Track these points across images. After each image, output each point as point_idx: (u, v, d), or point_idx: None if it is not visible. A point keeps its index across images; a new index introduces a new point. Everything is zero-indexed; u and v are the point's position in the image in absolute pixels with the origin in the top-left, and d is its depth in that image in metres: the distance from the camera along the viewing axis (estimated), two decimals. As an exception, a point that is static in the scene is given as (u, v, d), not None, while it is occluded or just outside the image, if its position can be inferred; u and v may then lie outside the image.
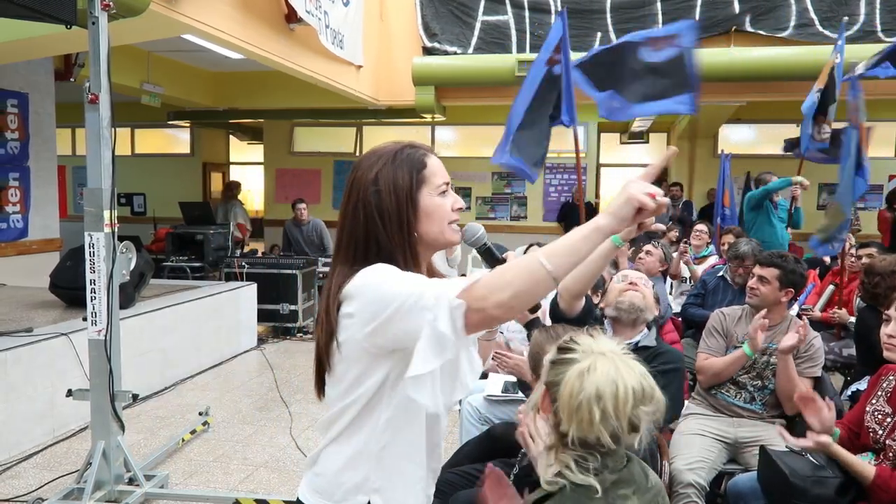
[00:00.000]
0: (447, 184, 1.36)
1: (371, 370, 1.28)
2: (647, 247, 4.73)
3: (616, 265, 3.91)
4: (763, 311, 2.80)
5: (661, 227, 1.91)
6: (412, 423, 1.32)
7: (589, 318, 2.33)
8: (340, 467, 1.33)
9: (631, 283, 2.53)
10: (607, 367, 1.28)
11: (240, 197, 11.06)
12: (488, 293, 1.14)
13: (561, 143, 11.10)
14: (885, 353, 2.41)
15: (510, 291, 1.14)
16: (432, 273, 1.42)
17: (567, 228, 6.77)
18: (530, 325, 2.39)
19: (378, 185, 1.30)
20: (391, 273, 1.24)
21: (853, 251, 4.81)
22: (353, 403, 1.31)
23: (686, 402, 3.03)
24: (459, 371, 1.27)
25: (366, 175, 1.32)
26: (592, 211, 10.49)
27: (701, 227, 5.97)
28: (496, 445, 2.68)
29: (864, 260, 4.43)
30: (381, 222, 1.30)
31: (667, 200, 1.21)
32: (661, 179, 8.21)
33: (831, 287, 4.66)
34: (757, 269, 2.99)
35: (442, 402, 1.28)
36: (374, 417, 1.31)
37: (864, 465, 2.18)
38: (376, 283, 1.23)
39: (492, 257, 1.44)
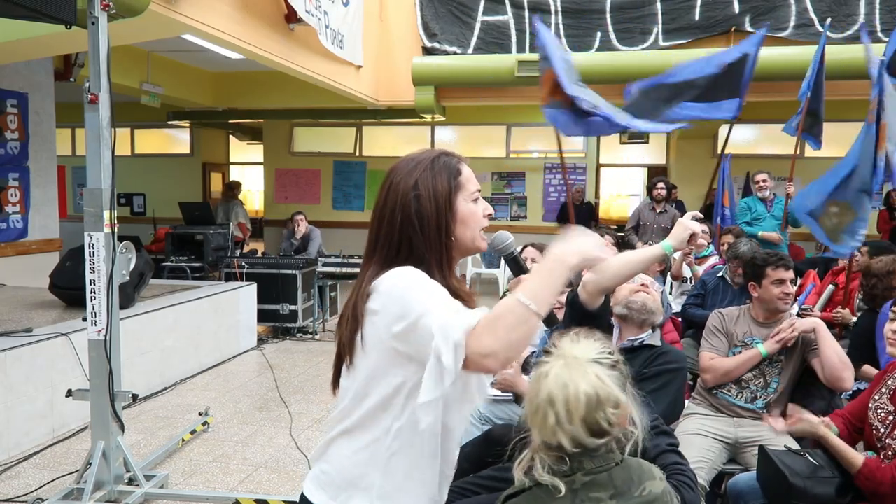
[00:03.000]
0: (479, 191, 1.42)
1: (390, 371, 1.29)
2: (643, 247, 4.74)
3: None
4: (792, 333, 2.81)
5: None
6: (423, 435, 1.31)
7: (608, 312, 2.32)
8: (347, 466, 1.34)
9: (642, 285, 2.53)
10: (561, 371, 1.27)
11: (240, 197, 11.07)
12: (488, 349, 1.14)
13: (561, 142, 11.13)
14: (889, 349, 2.42)
15: (505, 346, 1.15)
16: (465, 295, 1.46)
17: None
18: (596, 319, 2.32)
19: (418, 190, 1.34)
20: (419, 280, 1.26)
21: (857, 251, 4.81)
22: (367, 399, 1.32)
23: (686, 402, 3.03)
24: (468, 390, 1.30)
25: (405, 181, 1.35)
26: (592, 210, 10.48)
27: (703, 227, 5.96)
28: (494, 447, 2.67)
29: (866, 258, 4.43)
30: (419, 226, 1.33)
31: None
32: (662, 176, 8.19)
33: (831, 287, 4.66)
34: (785, 274, 2.92)
35: (458, 419, 1.35)
36: (386, 420, 1.31)
37: (854, 453, 2.21)
38: (404, 286, 1.25)
39: (517, 267, 1.46)
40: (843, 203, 4.32)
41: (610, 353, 1.32)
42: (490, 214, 1.42)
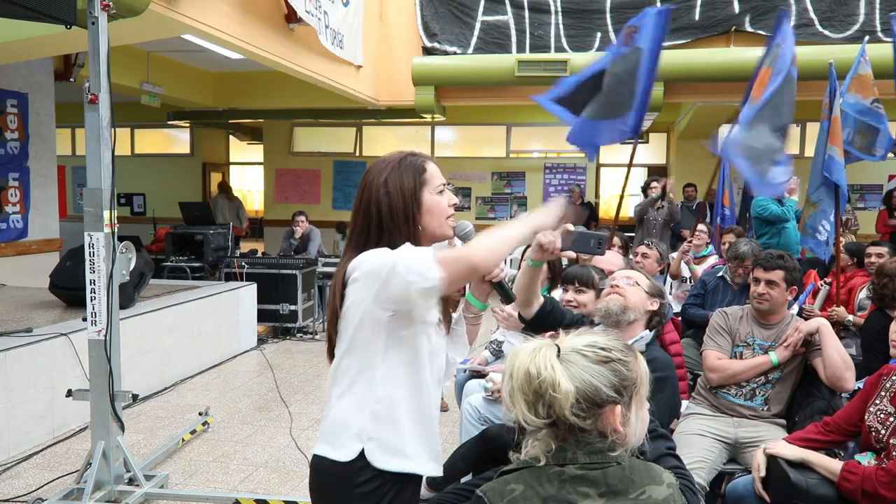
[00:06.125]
0: (444, 184, 1.66)
1: (371, 331, 1.54)
2: (642, 248, 4.74)
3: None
4: (798, 335, 2.79)
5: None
6: (403, 382, 1.57)
7: (548, 320, 2.36)
8: (340, 417, 1.58)
9: (612, 287, 2.49)
10: (521, 349, 1.30)
11: (239, 197, 11.12)
12: (468, 252, 1.49)
13: (560, 143, 11.14)
14: (893, 352, 2.41)
15: (483, 249, 1.48)
16: None
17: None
18: (536, 326, 2.38)
19: (387, 188, 1.59)
20: (385, 249, 1.54)
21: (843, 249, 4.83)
22: (355, 360, 1.57)
23: (686, 402, 3.02)
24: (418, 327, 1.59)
25: (376, 179, 1.61)
26: (592, 210, 10.48)
27: (700, 226, 5.98)
28: (491, 447, 2.67)
29: (874, 259, 4.43)
30: (390, 217, 1.58)
31: None
32: (658, 175, 8.20)
33: (826, 287, 4.67)
34: (762, 274, 2.93)
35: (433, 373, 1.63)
36: (369, 374, 1.56)
37: (832, 460, 2.23)
38: (374, 254, 1.53)
39: None
40: (810, 198, 4.65)
41: (603, 348, 1.30)
42: (455, 204, 1.67)
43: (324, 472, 1.59)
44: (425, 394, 1.61)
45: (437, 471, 1.65)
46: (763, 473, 2.35)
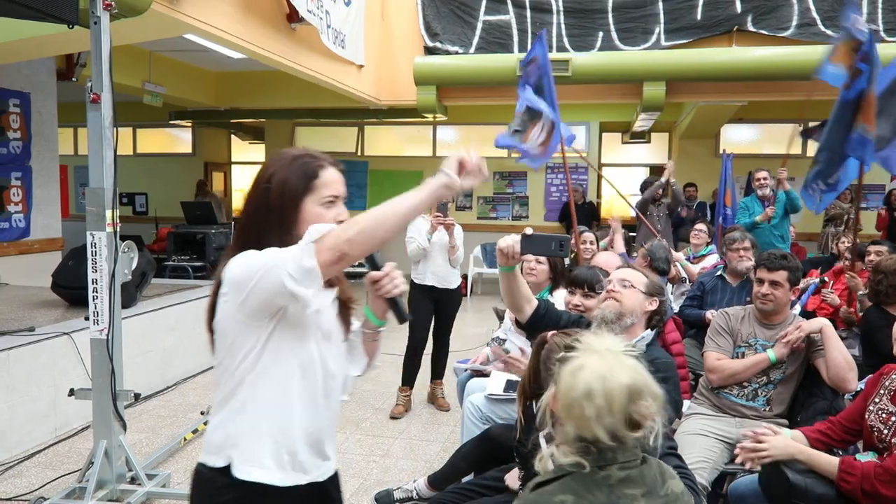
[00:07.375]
0: (336, 196, 1.47)
1: (240, 342, 1.42)
2: (641, 250, 4.77)
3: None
4: (799, 333, 2.78)
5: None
6: (275, 383, 1.43)
7: (543, 322, 2.37)
8: (213, 427, 1.49)
9: (608, 291, 2.46)
10: (598, 364, 1.25)
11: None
12: (337, 235, 1.30)
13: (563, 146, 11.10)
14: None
15: (356, 229, 1.30)
16: (340, 282, 1.56)
17: (568, 228, 6.96)
18: (532, 330, 2.40)
19: (269, 184, 1.44)
20: (256, 252, 1.37)
21: (846, 251, 4.85)
22: (226, 372, 1.46)
23: (688, 402, 3.02)
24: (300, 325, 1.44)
25: (264, 173, 1.47)
26: (594, 210, 10.47)
27: (700, 226, 5.98)
28: (492, 446, 2.68)
29: (873, 257, 4.44)
30: (265, 217, 1.43)
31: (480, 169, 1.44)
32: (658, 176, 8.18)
33: (812, 282, 4.72)
34: (766, 274, 2.93)
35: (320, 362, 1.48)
36: (241, 383, 1.44)
37: (829, 458, 2.22)
38: (243, 261, 1.37)
39: (372, 263, 1.54)
40: (816, 156, 4.62)
41: (630, 346, 1.31)
42: (342, 220, 1.43)
43: (197, 479, 1.50)
44: (297, 404, 1.46)
45: (302, 479, 1.49)
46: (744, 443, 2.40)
